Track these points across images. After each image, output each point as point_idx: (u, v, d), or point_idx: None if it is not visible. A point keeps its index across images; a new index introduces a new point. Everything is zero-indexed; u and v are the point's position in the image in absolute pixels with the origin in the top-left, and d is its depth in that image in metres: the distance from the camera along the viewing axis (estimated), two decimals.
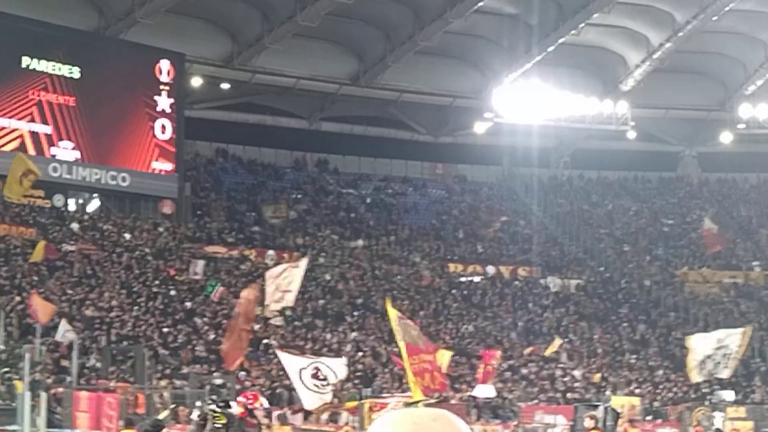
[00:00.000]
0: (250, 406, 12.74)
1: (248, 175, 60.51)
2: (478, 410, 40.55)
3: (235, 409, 14.38)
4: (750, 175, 68.92)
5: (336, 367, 28.80)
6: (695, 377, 38.70)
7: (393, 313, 27.02)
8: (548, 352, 47.71)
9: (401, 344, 27.43)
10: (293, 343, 43.86)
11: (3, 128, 48.30)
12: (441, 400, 31.70)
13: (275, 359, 41.87)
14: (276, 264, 50.10)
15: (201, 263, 47.32)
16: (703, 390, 47.86)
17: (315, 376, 28.22)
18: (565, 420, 38.47)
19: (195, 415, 16.58)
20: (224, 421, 12.91)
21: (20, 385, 26.48)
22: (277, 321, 44.50)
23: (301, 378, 28.39)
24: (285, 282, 31.88)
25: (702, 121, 67.65)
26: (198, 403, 29.67)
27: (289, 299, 32.69)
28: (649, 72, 62.36)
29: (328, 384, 28.25)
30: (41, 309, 34.94)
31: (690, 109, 66.79)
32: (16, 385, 28.74)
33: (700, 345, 37.67)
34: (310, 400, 29.38)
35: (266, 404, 13.56)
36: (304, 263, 33.56)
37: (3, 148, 47.84)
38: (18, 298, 39.22)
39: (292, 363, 29.10)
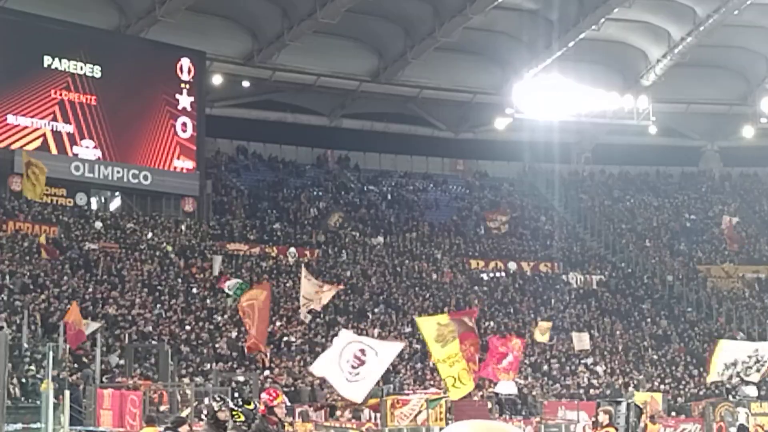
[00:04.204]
0: (270, 404, 12.75)
1: (269, 172, 60.61)
2: (500, 406, 40.52)
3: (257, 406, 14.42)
4: None
5: (385, 352, 28.79)
6: (713, 377, 38.86)
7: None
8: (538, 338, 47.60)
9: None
10: (314, 339, 43.93)
11: (26, 127, 48.55)
12: (463, 396, 31.72)
13: (297, 356, 42.01)
14: (297, 262, 50.28)
15: (218, 259, 47.43)
16: (726, 386, 47.71)
17: (358, 357, 27.95)
18: (587, 416, 38.40)
19: (203, 413, 16.64)
20: (243, 418, 12.93)
21: (45, 383, 26.61)
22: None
23: (341, 355, 27.97)
24: (315, 295, 32.19)
25: (724, 115, 67.39)
26: (206, 401, 29.78)
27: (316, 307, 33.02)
28: (670, 66, 62.14)
29: (362, 373, 28.12)
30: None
31: (711, 104, 66.50)
32: (41, 384, 28.90)
33: (732, 350, 37.77)
34: (354, 391, 29.25)
35: (287, 401, 13.58)
36: (333, 290, 33.95)
37: (26, 147, 48.12)
38: (42, 297, 39.42)
39: (346, 339, 28.94)
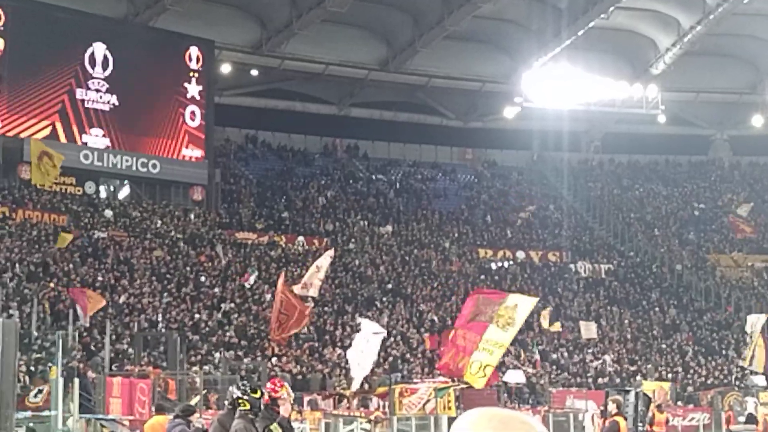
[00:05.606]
0: (274, 394, 12.75)
1: (278, 161, 60.65)
2: (509, 395, 40.57)
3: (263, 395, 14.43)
4: None
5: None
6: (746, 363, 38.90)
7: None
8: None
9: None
10: (324, 328, 43.99)
11: (35, 116, 48.57)
12: (468, 386, 31.74)
13: (305, 344, 42.06)
14: (305, 251, 50.38)
15: (219, 248, 47.58)
16: (735, 375, 47.72)
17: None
18: (595, 405, 38.42)
19: (226, 401, 16.78)
20: (248, 407, 12.95)
21: (54, 370, 26.70)
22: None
23: (369, 341, 28.53)
24: (317, 271, 32.15)
25: (733, 104, 67.25)
26: (230, 389, 29.97)
27: (316, 288, 32.95)
28: (679, 55, 61.99)
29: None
30: (92, 302, 35.49)
31: (721, 92, 66.37)
32: (50, 371, 28.99)
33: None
34: (361, 373, 29.49)
35: (292, 393, 13.53)
36: (328, 255, 33.82)
37: (35, 136, 48.17)
38: (51, 285, 39.51)
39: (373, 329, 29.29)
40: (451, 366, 28.20)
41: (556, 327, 47.36)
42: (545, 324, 47.08)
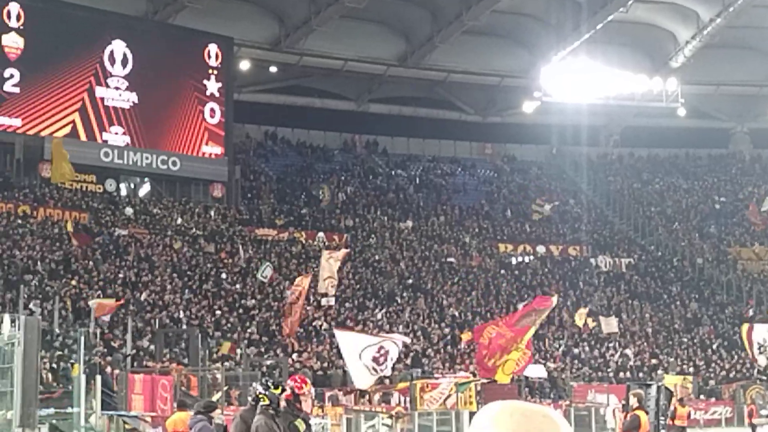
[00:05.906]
0: (297, 391, 12.76)
1: (297, 157, 60.73)
2: (530, 390, 40.55)
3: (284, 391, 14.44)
4: None
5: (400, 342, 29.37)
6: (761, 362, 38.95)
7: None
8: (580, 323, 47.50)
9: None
10: (345, 323, 44.02)
11: (55, 114, 48.78)
12: (491, 380, 31.78)
13: (327, 340, 42.10)
14: (326, 246, 50.42)
15: (241, 247, 47.74)
16: (757, 368, 47.52)
17: (376, 359, 28.49)
18: (616, 399, 38.35)
19: (249, 397, 16.86)
20: (267, 402, 12.97)
21: (76, 368, 26.80)
22: (330, 301, 44.52)
23: (360, 357, 28.58)
24: (332, 269, 32.42)
25: (753, 96, 66.94)
26: (254, 385, 30.04)
27: (328, 285, 33.19)
28: (699, 48, 61.73)
29: (387, 362, 28.69)
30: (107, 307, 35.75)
31: (741, 85, 66.06)
32: (72, 368, 29.11)
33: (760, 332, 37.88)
34: (364, 379, 29.61)
35: (313, 392, 13.53)
36: (326, 256, 34.10)
37: (56, 134, 48.36)
38: (73, 282, 39.68)
39: (353, 342, 29.35)
40: (488, 364, 28.44)
41: (592, 323, 47.39)
42: (580, 322, 47.04)
